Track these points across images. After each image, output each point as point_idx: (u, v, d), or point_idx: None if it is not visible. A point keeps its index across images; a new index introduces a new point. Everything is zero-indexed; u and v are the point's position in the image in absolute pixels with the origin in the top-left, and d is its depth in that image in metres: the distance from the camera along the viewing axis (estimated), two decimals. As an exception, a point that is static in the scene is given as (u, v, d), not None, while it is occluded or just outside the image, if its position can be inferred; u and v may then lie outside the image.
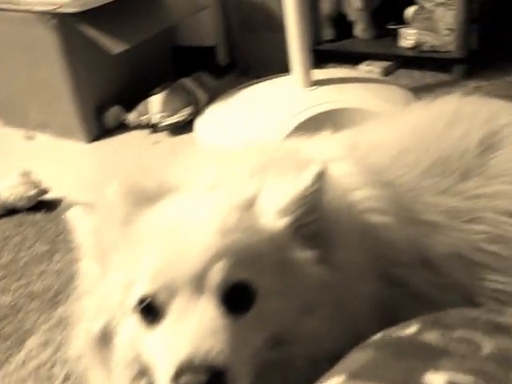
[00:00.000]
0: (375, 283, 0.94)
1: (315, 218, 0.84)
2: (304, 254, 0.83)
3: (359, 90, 2.19)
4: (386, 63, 2.70)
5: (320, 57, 2.76)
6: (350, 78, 2.32)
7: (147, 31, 2.43)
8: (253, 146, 1.12)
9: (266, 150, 1.07)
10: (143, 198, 0.86)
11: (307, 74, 2.14)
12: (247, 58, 2.95)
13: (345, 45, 2.85)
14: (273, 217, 0.83)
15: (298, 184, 0.83)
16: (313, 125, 1.92)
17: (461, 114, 1.20)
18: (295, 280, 0.81)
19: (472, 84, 2.47)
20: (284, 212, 0.82)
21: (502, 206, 1.09)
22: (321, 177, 0.83)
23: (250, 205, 0.83)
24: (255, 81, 2.41)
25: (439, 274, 1.03)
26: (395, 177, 1.07)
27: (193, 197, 0.87)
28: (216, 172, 0.92)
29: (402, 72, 2.69)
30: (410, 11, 2.67)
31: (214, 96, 2.52)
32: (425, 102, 1.35)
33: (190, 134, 2.36)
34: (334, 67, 2.78)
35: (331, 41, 2.89)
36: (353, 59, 2.79)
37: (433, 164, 1.10)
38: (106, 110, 2.53)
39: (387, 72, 2.67)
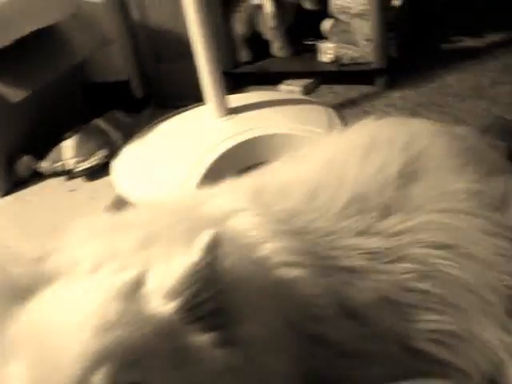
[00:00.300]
0: (294, 349, 0.86)
1: (212, 294, 0.75)
2: (202, 339, 0.73)
3: (279, 114, 2.12)
4: (306, 81, 2.64)
5: (238, 80, 2.70)
6: (270, 101, 2.24)
7: (49, 73, 2.33)
8: (146, 207, 1.02)
9: (161, 211, 0.98)
10: (14, 295, 0.76)
11: (222, 102, 2.06)
12: (164, 89, 2.86)
13: (263, 65, 2.79)
14: (160, 301, 0.73)
15: (187, 259, 0.73)
16: (233, 157, 1.86)
17: (377, 143, 1.14)
18: (194, 369, 0.72)
19: (396, 94, 2.43)
20: (173, 294, 0.73)
21: (427, 238, 1.03)
22: (214, 245, 0.74)
23: (134, 290, 0.74)
24: (170, 114, 2.32)
25: (367, 324, 0.96)
26: (308, 221, 0.99)
27: (68, 288, 0.76)
28: (100, 249, 0.82)
29: (323, 88, 2.63)
30: (325, 25, 2.62)
31: (129, 134, 2.42)
32: (339, 131, 1.28)
33: (108, 178, 2.25)
34: (254, 90, 2.70)
35: (249, 62, 2.82)
36: (273, 79, 2.72)
37: (349, 202, 1.03)
38: (15, 160, 2.41)
39: (309, 90, 2.61)
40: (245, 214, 0.95)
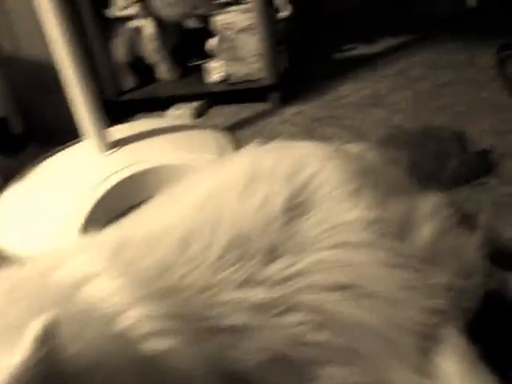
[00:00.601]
0: None
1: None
2: None
3: (166, 143, 1.99)
4: (196, 103, 2.51)
5: (125, 108, 2.55)
6: (156, 129, 2.10)
7: None
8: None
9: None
10: None
11: (102, 136, 1.91)
12: (47, 124, 2.68)
13: (149, 90, 2.64)
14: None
15: (14, 357, 0.58)
16: (117, 195, 1.71)
17: (259, 173, 1.01)
18: None
19: (291, 110, 2.33)
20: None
21: (320, 281, 0.91)
22: (49, 334, 0.59)
23: None
24: (50, 153, 2.15)
25: (258, 391, 0.82)
26: (179, 277, 0.86)
27: None
28: None
29: (215, 110, 2.50)
30: (211, 43, 2.50)
31: (8, 177, 2.23)
32: (219, 162, 1.15)
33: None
34: (142, 117, 2.56)
35: (134, 88, 2.67)
36: (162, 104, 2.58)
37: (228, 248, 0.90)
38: None
39: (199, 113, 2.48)
40: (101, 278, 0.81)
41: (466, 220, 1.28)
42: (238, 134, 2.18)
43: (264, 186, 0.99)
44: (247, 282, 0.88)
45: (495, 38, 2.49)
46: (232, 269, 0.88)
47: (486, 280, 1.10)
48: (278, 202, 0.97)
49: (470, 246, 1.13)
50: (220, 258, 0.89)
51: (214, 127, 2.19)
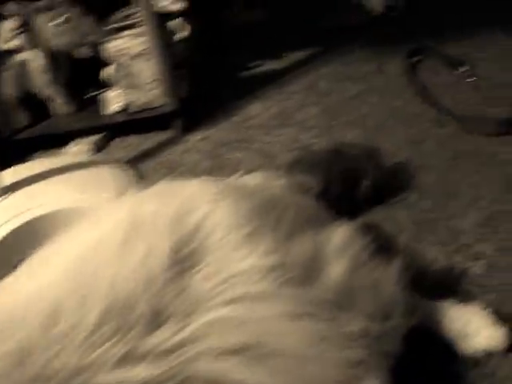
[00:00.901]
0: None
1: None
2: None
3: (61, 185, 1.84)
4: (96, 137, 2.36)
5: (19, 148, 2.39)
6: (51, 170, 1.95)
7: None
8: None
9: None
10: None
11: (-11, 182, 1.75)
12: None
13: (44, 127, 2.48)
14: None
15: None
16: (8, 247, 1.57)
17: (139, 223, 0.89)
18: None
19: (196, 136, 2.21)
20: None
21: (217, 344, 0.79)
22: None
23: None
24: None
25: None
26: (44, 362, 0.73)
27: None
28: None
29: (116, 143, 2.36)
30: (107, 72, 2.36)
31: None
32: (103, 208, 1.02)
33: None
34: (39, 156, 2.40)
35: (28, 126, 2.50)
36: (60, 140, 2.43)
37: (103, 319, 0.78)
38: None
39: (99, 147, 2.34)
40: None
41: (384, 244, 1.19)
42: (140, 166, 2.05)
43: (145, 237, 0.88)
44: (127, 358, 0.76)
45: (403, 44, 2.42)
46: (108, 344, 0.76)
47: (407, 316, 1.00)
48: (162, 254, 0.85)
49: (388, 278, 1.03)
50: (94, 332, 0.77)
51: (115, 162, 2.05)
